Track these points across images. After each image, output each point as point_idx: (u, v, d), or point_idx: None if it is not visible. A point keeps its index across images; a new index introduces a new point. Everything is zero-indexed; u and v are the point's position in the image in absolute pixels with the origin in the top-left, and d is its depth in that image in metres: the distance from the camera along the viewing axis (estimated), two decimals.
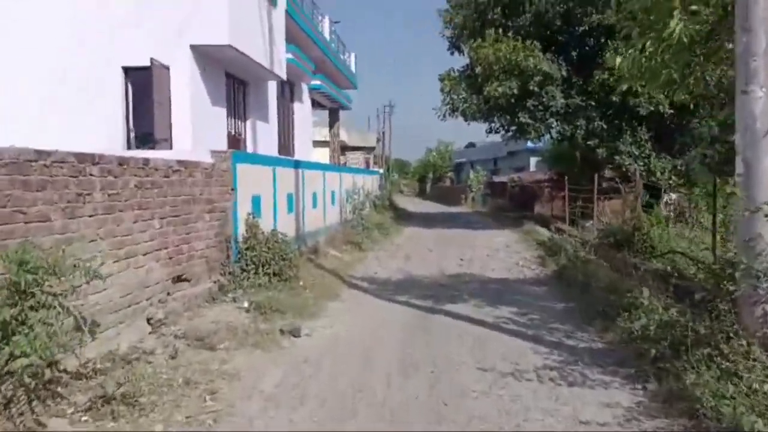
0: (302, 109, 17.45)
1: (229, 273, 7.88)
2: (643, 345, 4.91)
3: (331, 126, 23.18)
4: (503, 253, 14.05)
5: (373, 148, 49.55)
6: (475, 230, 20.68)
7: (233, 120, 12.56)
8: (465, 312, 7.28)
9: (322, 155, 23.79)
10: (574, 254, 9.79)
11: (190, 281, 7.08)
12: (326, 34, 17.52)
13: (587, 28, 16.93)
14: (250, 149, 12.87)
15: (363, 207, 15.88)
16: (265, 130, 13.73)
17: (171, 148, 10.02)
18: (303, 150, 17.09)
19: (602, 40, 16.79)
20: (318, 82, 17.92)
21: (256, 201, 9.01)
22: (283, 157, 12.24)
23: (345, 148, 39.78)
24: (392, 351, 5.55)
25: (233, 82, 12.50)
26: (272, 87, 14.26)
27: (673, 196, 22.51)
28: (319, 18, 17.40)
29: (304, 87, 17.61)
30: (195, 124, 10.43)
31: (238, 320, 6.33)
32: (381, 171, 35.21)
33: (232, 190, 8.27)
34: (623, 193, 13.16)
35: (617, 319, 5.98)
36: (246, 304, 6.99)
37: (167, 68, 10.28)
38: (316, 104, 20.79)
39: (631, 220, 10.71)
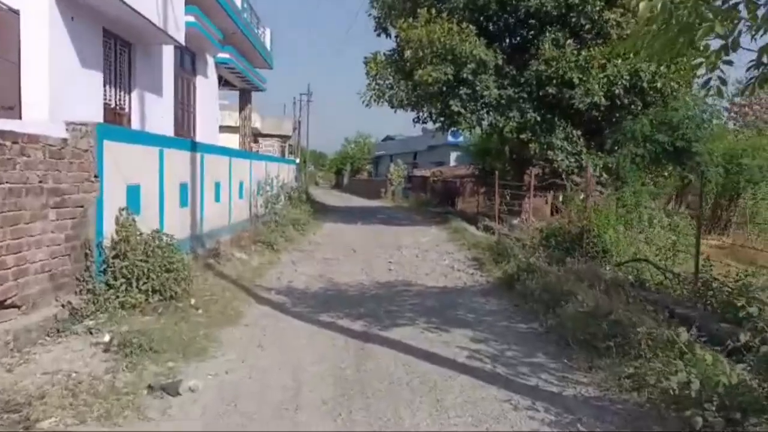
0: (207, 86, 15.06)
1: (88, 291, 5.73)
2: (673, 404, 3.52)
3: (241, 108, 20.76)
4: (434, 253, 12.68)
5: (288, 137, 46.99)
6: (400, 227, 19.29)
7: (114, 90, 10.11)
8: (409, 339, 5.68)
9: (231, 142, 21.33)
10: (525, 260, 8.50)
11: (20, 307, 4.90)
12: (237, 2, 15.22)
13: (523, 15, 15.95)
14: (137, 128, 10.48)
15: (277, 200, 13.86)
16: (157, 106, 11.35)
17: (20, 117, 7.57)
18: (207, 133, 14.73)
19: (539, 29, 15.89)
20: (226, 56, 15.56)
21: (133, 192, 6.85)
22: (175, 137, 9.99)
23: (258, 135, 37.11)
24: (316, 423, 3.80)
25: (114, 42, 10.04)
26: (168, 54, 11.87)
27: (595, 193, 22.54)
28: None
29: (210, 60, 15.21)
30: (55, 90, 7.98)
31: (86, 369, 4.29)
32: (297, 161, 33.02)
33: (96, 177, 6.08)
34: (570, 190, 12.20)
35: (608, 352, 4.64)
36: (107, 338, 4.93)
37: (16, 13, 7.77)
38: (224, 83, 18.35)
39: (580, 220, 9.65)
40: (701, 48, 4.63)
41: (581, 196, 10.33)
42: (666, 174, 18.11)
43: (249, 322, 6.19)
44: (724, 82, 4.61)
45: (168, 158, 7.95)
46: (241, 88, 20.27)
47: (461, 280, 9.51)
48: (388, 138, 57.21)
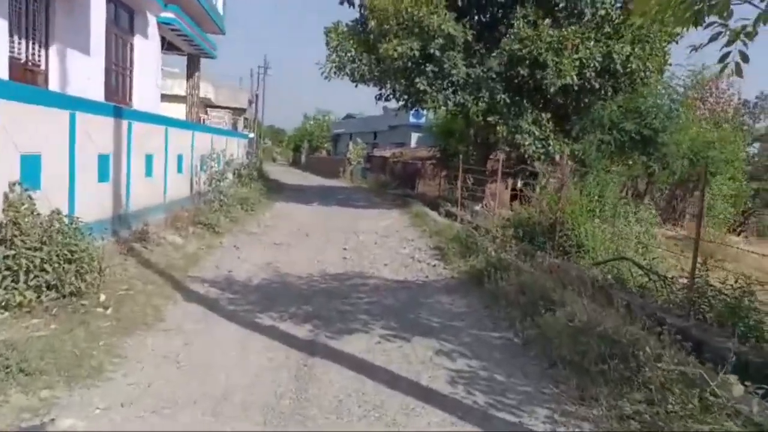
0: (148, 47, 13.46)
1: None
2: None
3: (189, 76, 19.06)
4: (394, 240, 11.78)
5: (243, 110, 44.93)
6: (358, 209, 18.28)
7: (25, 42, 8.59)
8: (364, 352, 4.74)
9: (179, 112, 19.69)
10: (495, 254, 7.67)
11: None
12: None
13: None
14: (56, 88, 9.00)
15: (222, 177, 12.56)
16: (82, 66, 9.83)
17: None
18: (148, 100, 13.20)
19: (511, 5, 14.98)
20: (170, 15, 13.94)
21: (30, 164, 5.58)
22: (94, 101, 8.52)
23: (210, 107, 35.10)
24: None
25: None
26: (98, 5, 10.33)
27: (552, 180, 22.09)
28: None
29: (151, 19, 13.59)
30: None
31: None
32: (251, 135, 31.36)
33: None
34: (543, 177, 11.46)
35: (603, 378, 3.82)
36: None
37: None
38: (169, 47, 16.67)
39: (553, 211, 8.90)
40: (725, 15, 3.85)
41: (553, 185, 9.57)
42: (630, 162, 17.75)
43: (169, 326, 5.09)
44: (745, 58, 3.84)
45: (82, 124, 6.64)
46: (190, 54, 18.57)
47: (423, 272, 8.63)
48: (348, 116, 55.72)
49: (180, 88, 23.44)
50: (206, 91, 32.97)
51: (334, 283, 7.43)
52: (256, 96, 58.56)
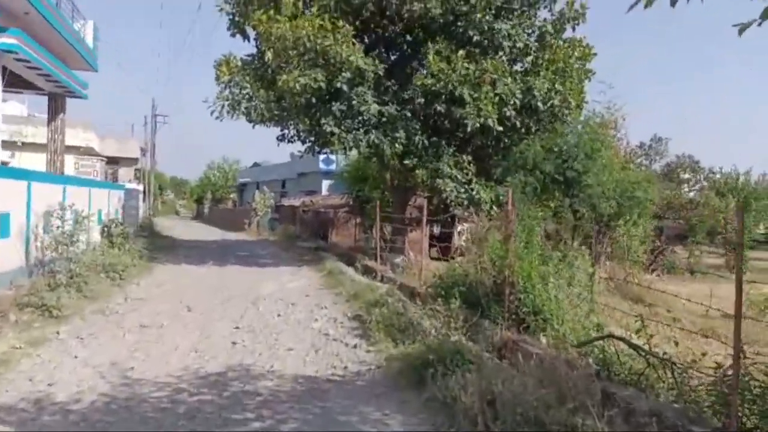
0: None
1: None
2: None
3: (51, 118, 15.98)
4: (302, 308, 9.56)
5: (135, 160, 40.99)
6: (262, 267, 15.82)
7: None
8: None
9: (38, 162, 16.46)
10: (437, 333, 5.70)
11: None
12: None
13: (406, 22, 13.74)
14: None
15: (73, 240, 9.71)
16: None
17: None
18: None
19: (423, 39, 13.72)
20: (12, 41, 11.18)
21: None
22: None
23: (94, 156, 31.21)
24: None
25: None
26: None
27: (466, 225, 20.91)
28: None
29: None
30: None
31: None
32: (136, 187, 27.97)
33: None
34: (477, 221, 9.83)
35: None
36: None
37: None
38: (14, 81, 13.69)
39: (497, 268, 7.15)
40: None
41: (493, 235, 7.87)
42: (551, 205, 16.84)
43: None
44: None
45: None
46: (51, 93, 15.60)
47: (340, 359, 6.47)
48: (255, 165, 52.96)
49: (43, 136, 20.13)
50: (88, 139, 29.24)
51: (209, 396, 5.07)
52: (153, 145, 54.49)
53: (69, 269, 9.05)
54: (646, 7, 2.73)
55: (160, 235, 25.34)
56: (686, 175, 45.41)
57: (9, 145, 26.06)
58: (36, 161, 19.24)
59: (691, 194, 35.81)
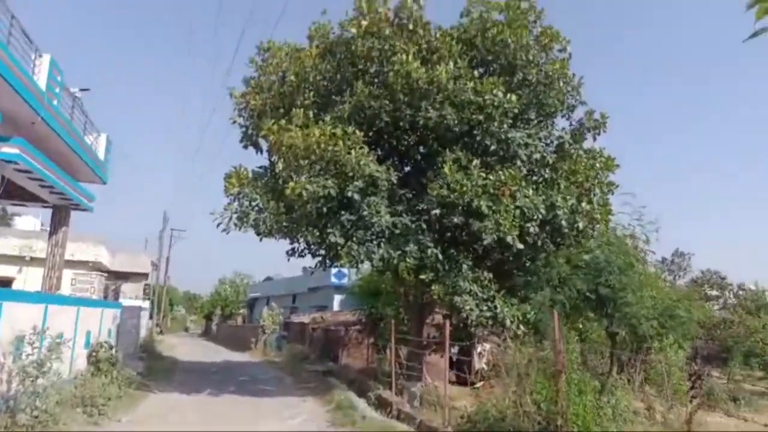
0: None
1: None
2: None
3: (53, 231, 15.40)
4: None
5: (146, 275, 40.29)
6: (262, 397, 14.10)
7: None
8: None
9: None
10: None
11: None
12: (42, 83, 10.95)
13: (420, 131, 13.38)
14: None
15: (47, 368, 8.39)
16: None
17: None
18: None
19: (438, 148, 13.22)
20: (14, 151, 10.82)
21: None
22: None
23: (104, 272, 30.61)
24: None
25: None
26: None
27: (487, 346, 19.08)
28: (33, 55, 10.89)
29: None
30: None
31: None
32: (139, 304, 26.90)
33: None
34: (501, 342, 8.46)
35: None
36: None
37: None
38: (21, 193, 13.28)
39: (546, 413, 5.70)
40: None
41: (534, 367, 6.47)
42: (580, 326, 15.28)
43: None
44: None
45: None
46: (56, 206, 15.18)
47: None
48: (268, 279, 52.08)
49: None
50: (98, 254, 28.79)
51: None
52: (167, 259, 54.19)
53: (34, 406, 7.67)
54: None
55: (160, 357, 23.75)
56: (714, 292, 43.34)
57: (17, 260, 25.63)
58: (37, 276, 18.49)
59: (720, 312, 33.68)
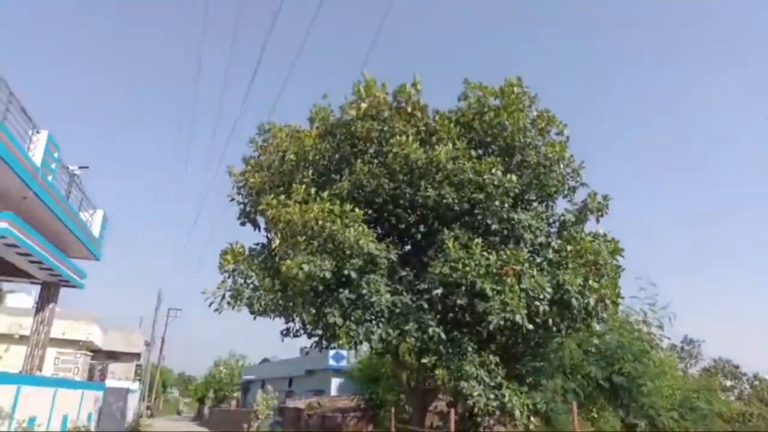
0: None
1: None
2: None
3: (40, 308, 14.82)
4: None
5: (138, 355, 38.93)
6: None
7: None
8: None
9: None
10: None
11: None
12: (37, 159, 10.86)
13: (420, 211, 13.14)
14: None
15: None
16: None
17: None
18: None
19: (439, 227, 12.88)
20: (3, 225, 10.53)
21: None
22: None
23: (95, 352, 29.56)
24: None
25: None
26: None
27: None
28: (30, 132, 10.87)
29: None
30: None
31: None
32: (125, 385, 25.66)
33: None
34: None
35: None
36: None
37: None
38: (11, 269, 12.87)
39: None
40: None
41: None
42: (594, 415, 14.20)
43: None
44: None
45: None
46: (45, 282, 14.70)
47: None
48: (265, 360, 50.23)
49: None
50: (90, 333, 27.89)
51: None
52: (162, 339, 52.55)
53: None
54: None
55: None
56: (728, 382, 41.28)
57: (5, 338, 24.77)
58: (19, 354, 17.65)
59: (736, 404, 31.81)
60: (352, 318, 11.59)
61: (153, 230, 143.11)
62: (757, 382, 33.68)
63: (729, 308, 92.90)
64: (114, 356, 34.95)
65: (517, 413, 11.30)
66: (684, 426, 12.23)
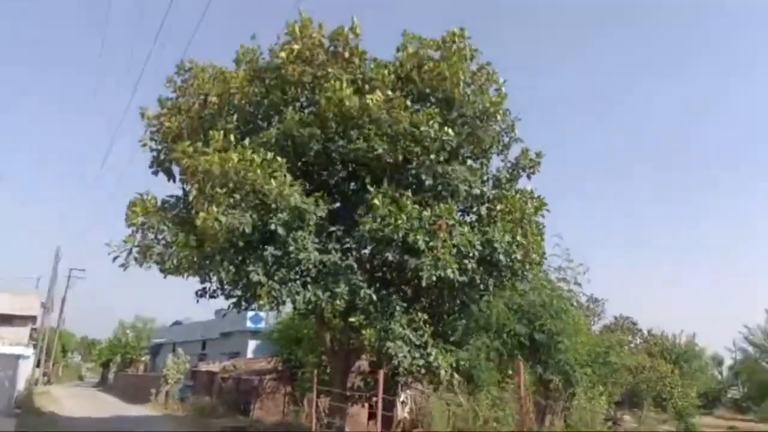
0: None
1: None
2: None
3: None
4: None
5: (33, 318, 35.76)
6: None
7: None
8: None
9: None
10: None
11: None
12: None
13: (352, 165, 12.53)
14: None
15: None
16: None
17: None
18: None
19: (369, 183, 12.32)
20: None
21: None
22: None
23: None
24: None
25: None
26: None
27: (410, 393, 17.99)
28: None
29: None
30: None
31: None
32: (23, 352, 23.57)
33: None
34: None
35: None
36: None
37: None
38: None
39: None
40: None
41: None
42: (510, 372, 14.61)
43: None
44: None
45: None
46: None
47: None
48: (177, 323, 48.12)
49: None
50: None
51: None
52: (62, 301, 48.83)
53: None
54: None
55: (38, 413, 20.48)
56: (627, 338, 44.91)
57: None
58: None
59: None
60: (276, 277, 10.90)
61: (53, 182, 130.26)
62: (650, 337, 36.69)
63: (639, 265, 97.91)
64: (6, 320, 31.89)
65: (442, 373, 11.26)
66: (595, 380, 12.87)
